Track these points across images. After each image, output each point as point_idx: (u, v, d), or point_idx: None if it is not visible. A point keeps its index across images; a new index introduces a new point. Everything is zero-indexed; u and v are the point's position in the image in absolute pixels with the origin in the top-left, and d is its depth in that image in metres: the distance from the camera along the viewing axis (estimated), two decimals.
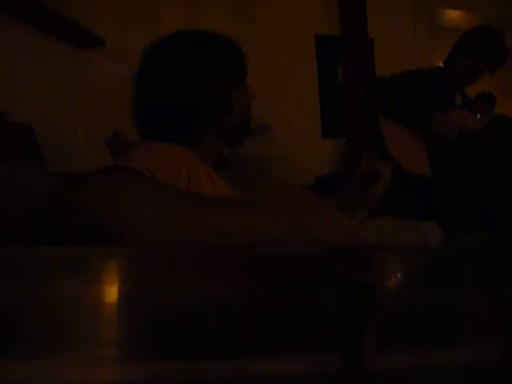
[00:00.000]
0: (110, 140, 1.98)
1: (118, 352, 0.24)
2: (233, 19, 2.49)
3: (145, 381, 0.22)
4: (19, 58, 1.76)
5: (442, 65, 1.89)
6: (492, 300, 0.31)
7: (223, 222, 0.40)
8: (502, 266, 0.34)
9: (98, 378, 0.22)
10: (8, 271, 0.28)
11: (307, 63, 2.71)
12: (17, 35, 1.77)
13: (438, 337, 0.27)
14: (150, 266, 0.32)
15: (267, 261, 0.33)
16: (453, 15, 3.09)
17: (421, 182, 1.58)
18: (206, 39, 0.85)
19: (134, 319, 0.26)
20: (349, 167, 2.48)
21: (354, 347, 0.24)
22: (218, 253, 0.36)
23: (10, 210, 0.37)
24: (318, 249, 0.39)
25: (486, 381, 0.26)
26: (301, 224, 0.41)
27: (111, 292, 0.29)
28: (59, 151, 1.60)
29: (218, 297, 0.28)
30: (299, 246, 0.40)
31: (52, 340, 0.24)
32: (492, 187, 1.35)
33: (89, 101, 2.12)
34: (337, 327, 0.25)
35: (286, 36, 2.60)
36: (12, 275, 0.28)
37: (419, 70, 1.97)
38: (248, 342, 0.25)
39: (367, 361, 0.24)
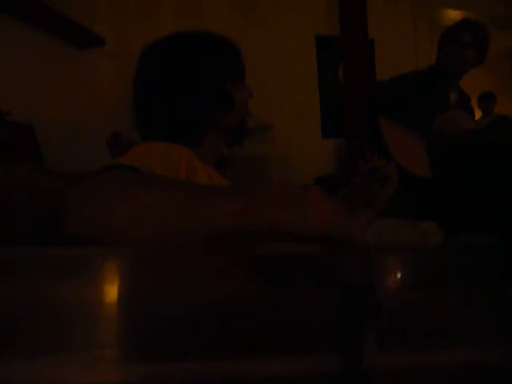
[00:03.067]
0: (110, 140, 1.98)
1: (118, 352, 0.24)
2: (233, 19, 2.49)
3: (145, 381, 0.22)
4: (19, 58, 1.76)
5: None
6: (492, 300, 0.31)
7: (219, 211, 0.39)
8: (502, 266, 0.34)
9: (98, 378, 0.22)
10: (8, 271, 0.28)
11: (307, 63, 2.71)
12: (17, 34, 1.77)
13: (437, 337, 0.27)
14: (150, 266, 0.32)
15: (267, 260, 0.33)
16: (453, 15, 3.09)
17: (421, 182, 1.59)
18: (203, 39, 0.85)
19: (133, 319, 0.26)
20: (349, 167, 2.48)
21: (354, 347, 0.24)
22: (218, 252, 0.36)
23: (10, 210, 0.37)
24: (318, 249, 0.39)
25: (486, 381, 0.26)
26: (293, 210, 0.40)
27: (111, 292, 0.29)
28: (59, 151, 1.60)
29: (218, 296, 0.28)
30: (299, 246, 0.40)
31: (52, 340, 0.24)
32: (492, 187, 1.35)
33: (89, 101, 2.12)
34: (337, 327, 0.25)
35: (286, 36, 2.60)
36: (12, 275, 0.28)
37: (414, 71, 2.01)
38: (248, 342, 0.25)
39: (367, 361, 0.24)
